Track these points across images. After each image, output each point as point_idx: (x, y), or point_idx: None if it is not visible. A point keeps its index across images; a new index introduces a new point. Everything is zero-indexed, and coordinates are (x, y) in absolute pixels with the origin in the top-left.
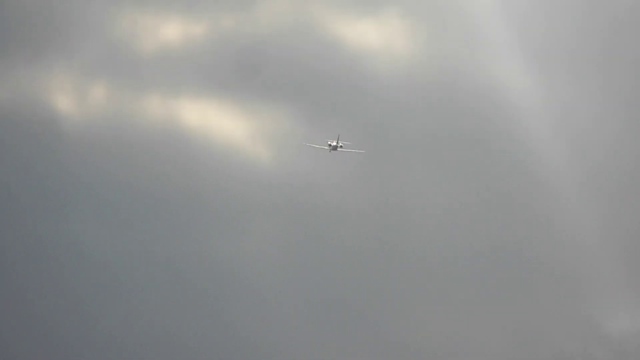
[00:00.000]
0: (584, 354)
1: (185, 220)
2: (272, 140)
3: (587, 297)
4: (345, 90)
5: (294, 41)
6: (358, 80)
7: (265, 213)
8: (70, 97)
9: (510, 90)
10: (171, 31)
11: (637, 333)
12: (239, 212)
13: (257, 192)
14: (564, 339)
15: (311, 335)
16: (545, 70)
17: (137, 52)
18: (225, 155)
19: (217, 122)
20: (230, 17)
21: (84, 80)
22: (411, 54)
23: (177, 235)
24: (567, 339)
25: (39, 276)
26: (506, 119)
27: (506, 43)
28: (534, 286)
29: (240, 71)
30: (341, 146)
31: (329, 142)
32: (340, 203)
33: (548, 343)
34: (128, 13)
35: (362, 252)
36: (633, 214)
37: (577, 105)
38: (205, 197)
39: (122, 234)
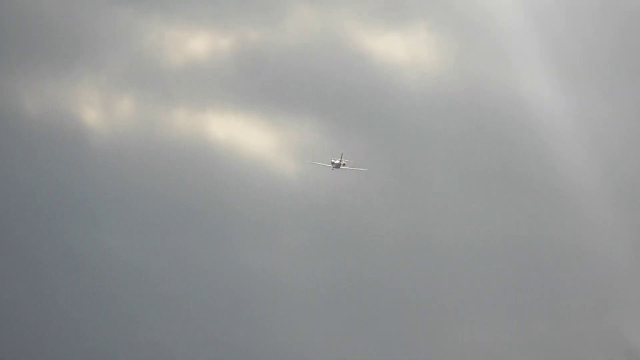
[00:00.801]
0: None
1: (212, 232)
2: (299, 154)
3: (613, 311)
4: (372, 104)
5: (321, 55)
6: (385, 94)
7: (293, 223)
8: (97, 110)
9: (541, 109)
10: (198, 45)
11: None
12: (266, 225)
13: (284, 205)
14: (590, 352)
15: (340, 344)
16: (577, 87)
17: (164, 65)
18: (252, 169)
19: (244, 135)
20: (257, 31)
21: (111, 94)
22: (439, 68)
23: (205, 247)
24: (593, 352)
25: (69, 288)
26: (536, 140)
27: (537, 58)
28: (561, 300)
29: (267, 85)
30: (344, 164)
31: (332, 160)
32: (367, 216)
33: (574, 356)
34: (155, 26)
35: (388, 260)
36: None
37: (610, 124)
38: (232, 209)
39: (150, 246)
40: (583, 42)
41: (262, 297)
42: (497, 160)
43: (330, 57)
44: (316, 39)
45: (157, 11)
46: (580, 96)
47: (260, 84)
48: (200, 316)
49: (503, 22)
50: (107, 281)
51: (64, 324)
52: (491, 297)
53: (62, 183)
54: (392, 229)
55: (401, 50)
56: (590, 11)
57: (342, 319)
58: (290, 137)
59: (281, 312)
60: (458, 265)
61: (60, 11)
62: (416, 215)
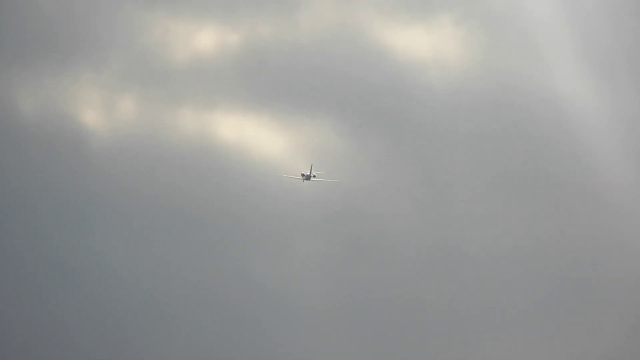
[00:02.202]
0: None
1: (220, 239)
2: (313, 155)
3: None
4: (393, 103)
5: (337, 50)
6: (407, 92)
7: (306, 232)
8: (97, 110)
9: (574, 106)
10: (206, 40)
11: None
12: (278, 231)
13: (297, 210)
14: None
15: (355, 355)
16: (611, 82)
17: (169, 62)
18: (263, 172)
19: (255, 136)
20: (269, 25)
21: (112, 93)
22: (465, 65)
23: (210, 258)
24: None
25: (66, 293)
26: (569, 138)
27: (570, 53)
28: (598, 312)
29: (279, 82)
30: (314, 176)
31: (302, 173)
32: (387, 220)
33: None
34: (159, 20)
35: (409, 273)
36: None
37: None
38: (241, 215)
39: (151, 256)
40: (617, 34)
41: (271, 312)
42: (528, 161)
43: (347, 53)
44: (332, 34)
45: (161, 4)
46: (615, 91)
47: (271, 82)
48: (203, 332)
49: (534, 14)
50: (104, 292)
51: (57, 332)
52: (521, 310)
53: (59, 188)
54: (413, 236)
55: (424, 45)
56: (624, 2)
57: (359, 336)
58: (304, 138)
59: (293, 329)
60: (485, 274)
61: (58, 4)
62: (439, 221)
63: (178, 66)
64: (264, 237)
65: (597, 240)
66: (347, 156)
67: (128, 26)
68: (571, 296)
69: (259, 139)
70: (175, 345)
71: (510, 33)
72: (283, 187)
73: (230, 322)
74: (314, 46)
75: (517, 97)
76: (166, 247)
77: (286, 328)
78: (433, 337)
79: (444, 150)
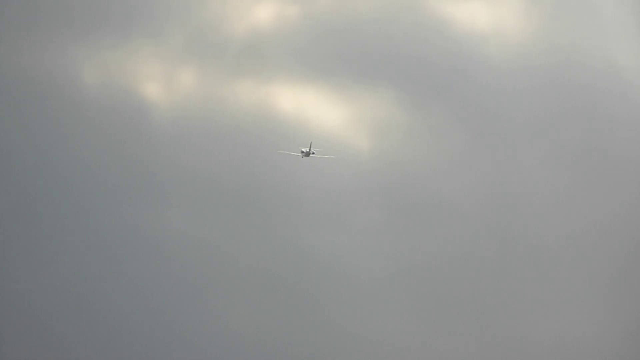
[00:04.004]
0: None
1: (279, 212)
2: (372, 128)
3: None
4: (452, 75)
5: (396, 22)
6: (466, 64)
7: (364, 205)
8: (157, 83)
9: (638, 80)
10: (264, 12)
11: None
12: (337, 205)
13: (356, 183)
14: None
15: (414, 331)
16: None
17: (227, 35)
18: (322, 144)
19: (313, 109)
20: None
21: (172, 66)
22: (526, 38)
23: (268, 227)
24: None
25: (134, 266)
26: (637, 115)
27: (634, 26)
28: None
29: (338, 55)
30: (313, 153)
31: (302, 149)
32: (444, 194)
33: None
34: None
35: (468, 245)
36: None
37: None
38: (300, 188)
39: (210, 227)
40: None
41: (328, 284)
42: (592, 139)
43: (406, 24)
44: (391, 4)
45: None
46: None
47: (330, 54)
48: (261, 306)
49: None
50: (170, 257)
51: (130, 303)
52: (583, 290)
53: (119, 160)
54: (472, 208)
55: (484, 17)
56: None
57: (417, 305)
58: (363, 110)
59: (352, 299)
60: (549, 254)
61: None
62: (497, 194)
63: (237, 39)
64: (321, 209)
65: None
66: (406, 128)
67: (186, 0)
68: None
69: (318, 110)
70: (234, 319)
71: (573, 5)
72: (339, 158)
73: (287, 296)
74: (373, 17)
75: (579, 71)
76: (224, 221)
77: (344, 300)
78: (493, 306)
79: (504, 123)
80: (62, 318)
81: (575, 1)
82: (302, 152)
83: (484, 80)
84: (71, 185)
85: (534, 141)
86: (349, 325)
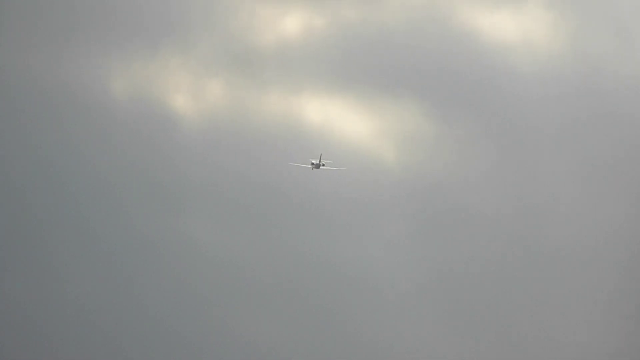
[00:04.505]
0: None
1: (306, 223)
2: (399, 139)
3: None
4: (479, 86)
5: (423, 33)
6: (493, 75)
7: (391, 216)
8: (186, 94)
9: None
10: (291, 24)
11: None
12: (363, 215)
13: (382, 193)
14: None
15: (442, 342)
16: None
17: (255, 46)
18: (349, 155)
19: (341, 119)
20: (355, 8)
21: (200, 77)
22: (552, 48)
23: (298, 239)
24: None
25: (155, 280)
26: None
27: None
28: None
29: (365, 66)
30: (323, 164)
31: (312, 161)
32: (472, 204)
33: None
34: (246, 4)
35: (495, 255)
36: None
37: None
38: (327, 198)
39: (239, 234)
40: None
41: (357, 293)
42: (621, 148)
43: (434, 36)
44: (418, 16)
45: None
46: None
47: (357, 65)
48: (290, 315)
49: None
50: (193, 273)
51: (148, 317)
52: (613, 299)
53: (148, 170)
54: (499, 219)
55: (512, 28)
56: None
57: (448, 315)
58: (389, 121)
59: (379, 311)
60: (575, 261)
61: None
62: (524, 206)
63: (264, 50)
64: (347, 219)
65: None
66: (433, 139)
67: (215, 11)
68: None
69: (345, 121)
70: (262, 325)
71: (601, 16)
72: (365, 169)
73: (313, 308)
74: (400, 29)
75: (607, 81)
76: (253, 229)
77: (371, 311)
78: (522, 317)
79: (531, 134)
80: (84, 326)
81: (603, 11)
82: (313, 163)
83: (511, 91)
84: (100, 195)
85: (561, 151)
86: (376, 336)
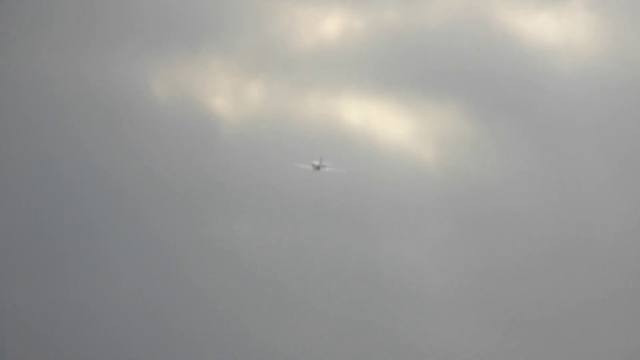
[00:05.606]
0: None
1: (346, 223)
2: (439, 140)
3: None
4: (521, 88)
5: (464, 35)
6: (534, 76)
7: (431, 217)
8: (226, 97)
9: None
10: (331, 26)
11: None
12: (403, 216)
13: (422, 195)
14: None
15: (484, 344)
16: None
17: (295, 49)
18: (388, 157)
19: (380, 121)
20: (394, 10)
21: (240, 79)
22: (594, 49)
23: (340, 238)
24: None
25: (203, 278)
26: None
27: None
28: None
29: (404, 67)
30: (324, 166)
31: (313, 163)
32: (512, 205)
33: None
34: (285, 7)
35: (537, 256)
36: None
37: None
38: (368, 199)
39: (279, 235)
40: None
41: (399, 295)
42: None
43: (474, 38)
44: (459, 18)
45: None
46: None
47: (397, 67)
48: (331, 317)
49: None
50: (239, 266)
51: (204, 309)
52: None
53: (189, 171)
54: (541, 218)
55: (554, 30)
56: None
57: (488, 318)
58: (430, 122)
59: (423, 312)
60: (614, 261)
61: None
62: (566, 206)
63: (304, 53)
64: (387, 221)
65: None
66: (473, 140)
67: (255, 14)
68: None
69: (384, 123)
70: (302, 327)
71: None
72: (405, 170)
73: (357, 310)
74: (441, 31)
75: None
76: (292, 230)
77: (416, 308)
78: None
79: (572, 135)
80: (134, 325)
81: None
82: (314, 165)
83: (552, 92)
84: (141, 197)
85: (603, 152)
86: (418, 339)
